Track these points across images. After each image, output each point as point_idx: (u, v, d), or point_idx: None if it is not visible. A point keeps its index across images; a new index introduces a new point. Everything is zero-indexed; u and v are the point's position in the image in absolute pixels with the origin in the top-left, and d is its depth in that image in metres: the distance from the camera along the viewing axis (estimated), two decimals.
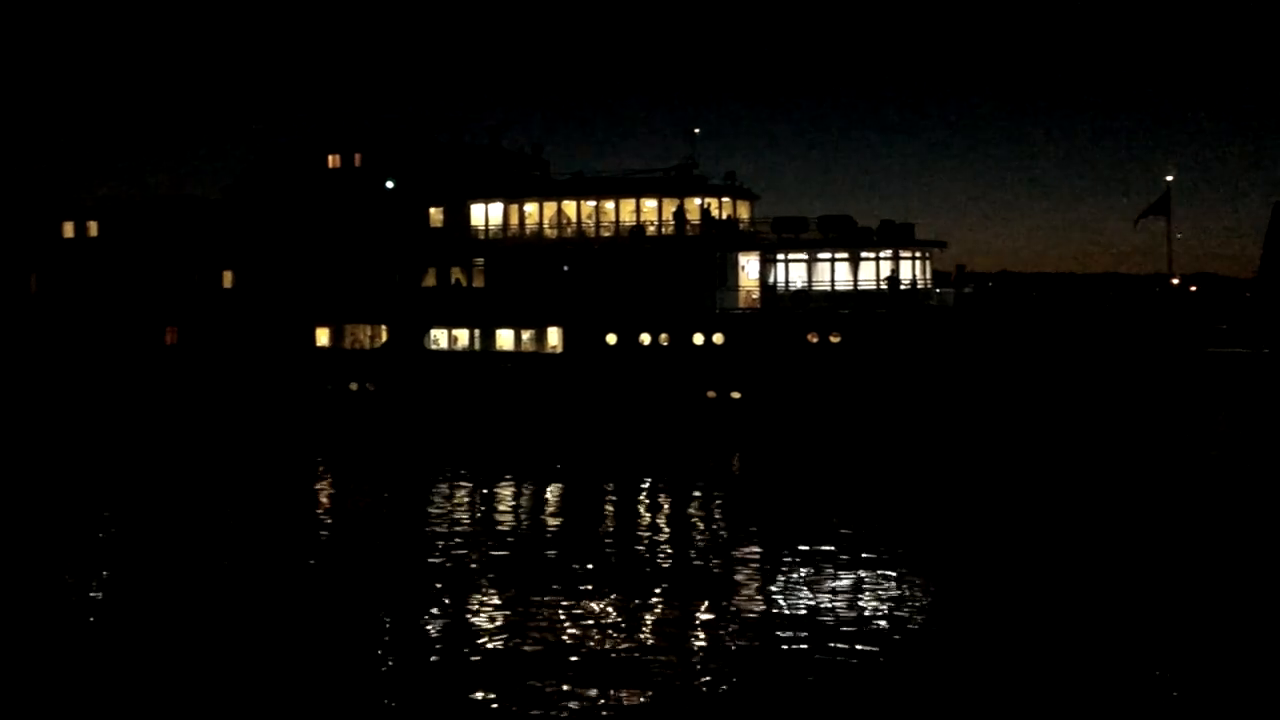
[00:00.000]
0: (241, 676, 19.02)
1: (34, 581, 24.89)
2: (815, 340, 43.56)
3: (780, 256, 45.84)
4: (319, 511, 33.26)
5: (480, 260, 50.61)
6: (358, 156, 54.23)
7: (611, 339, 46.72)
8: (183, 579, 25.13)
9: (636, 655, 19.71)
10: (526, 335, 49.15)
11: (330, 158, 54.72)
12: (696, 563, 26.18)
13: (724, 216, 47.84)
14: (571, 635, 20.84)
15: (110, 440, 47.26)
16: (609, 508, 32.65)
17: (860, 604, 22.58)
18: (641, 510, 32.27)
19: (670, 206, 47.83)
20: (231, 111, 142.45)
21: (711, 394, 45.11)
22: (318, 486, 37.35)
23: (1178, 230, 45.80)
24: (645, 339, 46.16)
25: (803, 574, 24.84)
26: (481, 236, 50.79)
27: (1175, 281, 45.24)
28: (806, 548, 26.99)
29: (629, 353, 46.31)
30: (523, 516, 31.65)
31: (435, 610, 22.42)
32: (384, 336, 52.29)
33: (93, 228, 59.57)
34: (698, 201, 47.90)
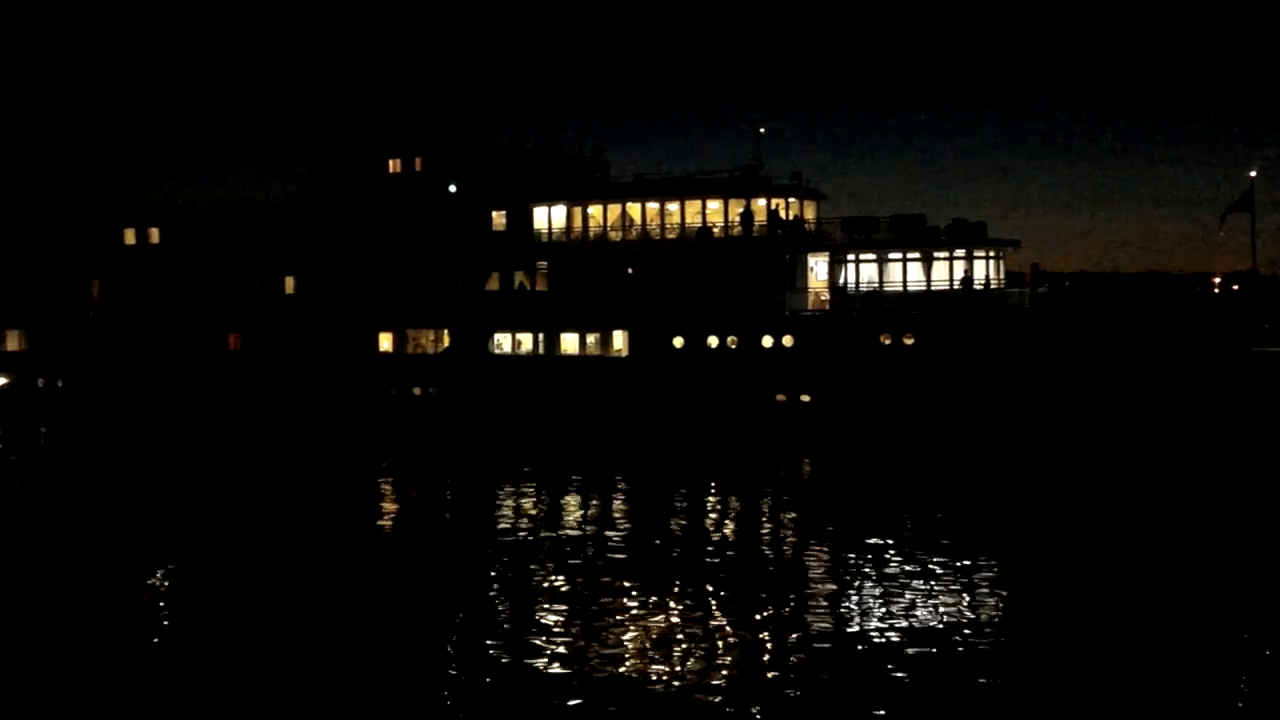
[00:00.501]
0: (305, 680, 18.78)
1: (102, 586, 24.69)
2: (888, 342, 42.74)
3: (850, 257, 45.05)
4: (382, 517, 32.93)
5: (543, 263, 50.21)
6: (418, 161, 54.02)
7: (678, 342, 46.13)
8: (246, 585, 24.92)
9: (703, 662, 19.25)
10: (591, 338, 48.65)
11: (391, 162, 54.55)
12: (765, 569, 25.61)
13: (790, 217, 47.15)
14: (638, 641, 20.42)
15: (175, 446, 47.30)
16: (676, 513, 32.08)
17: (935, 611, 21.93)
18: (709, 516, 31.69)
19: (736, 208, 47.19)
20: (294, 117, 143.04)
21: (781, 397, 44.40)
22: (381, 492, 37.04)
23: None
24: (713, 341, 45.54)
25: (874, 581, 24.21)
26: (544, 239, 50.39)
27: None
28: (878, 554, 26.33)
29: (696, 356, 45.70)
30: (588, 522, 31.14)
31: (500, 616, 22.05)
32: (446, 341, 52.02)
33: (154, 234, 59.79)
34: (762, 202, 47.23)
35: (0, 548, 29.01)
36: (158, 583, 25.20)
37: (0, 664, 19.84)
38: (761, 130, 49.36)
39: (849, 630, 20.90)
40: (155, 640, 20.90)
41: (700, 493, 34.67)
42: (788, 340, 44.27)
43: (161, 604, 23.49)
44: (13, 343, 62.90)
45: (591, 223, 49.64)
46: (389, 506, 34.69)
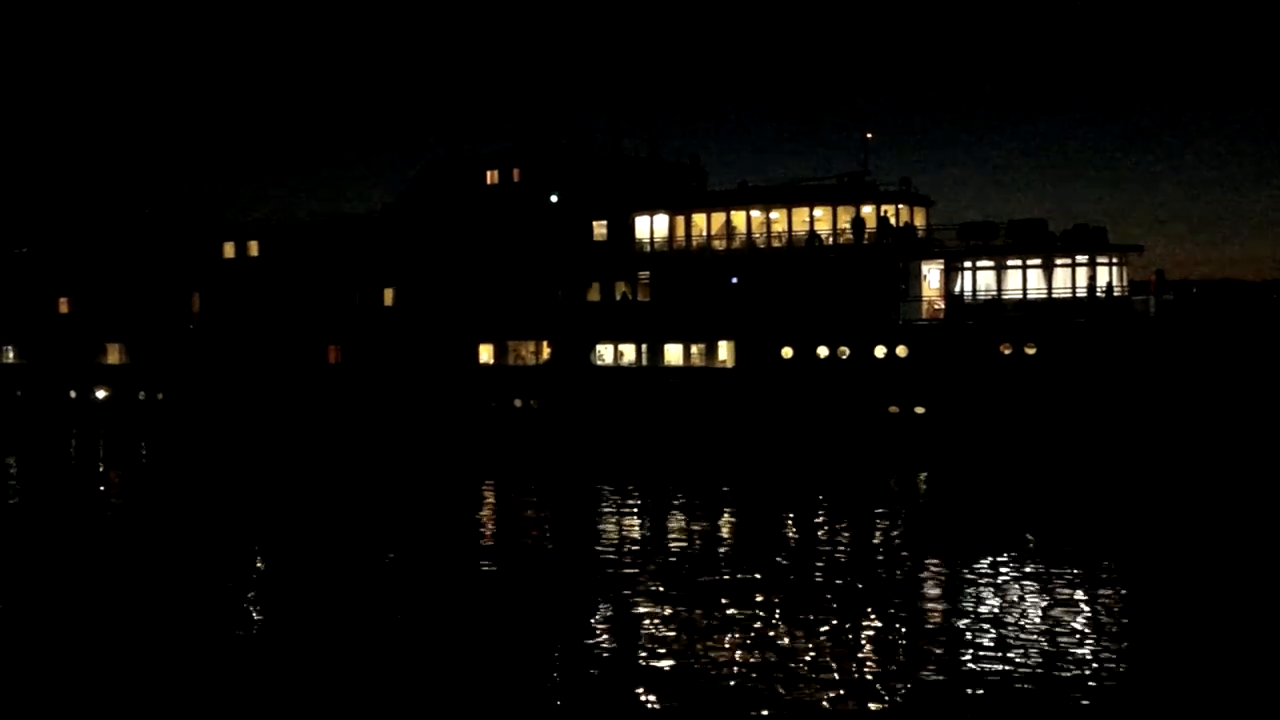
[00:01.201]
0: (408, 689, 18.37)
1: (200, 600, 24.28)
2: (1009, 352, 41.33)
3: (966, 264, 43.70)
4: (484, 532, 32.24)
5: (645, 273, 49.48)
6: (516, 171, 53.62)
7: (787, 352, 45.10)
8: (348, 598, 24.38)
9: (811, 683, 18.34)
10: (696, 349, 47.79)
11: (488, 173, 54.24)
12: (877, 587, 24.53)
13: (900, 224, 45.94)
14: (743, 660, 19.55)
15: (276, 459, 47.23)
16: (785, 529, 31.12)
17: (1053, 634, 20.68)
18: (819, 532, 30.62)
19: (845, 215, 46.10)
20: (387, 130, 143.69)
21: (894, 409, 43.17)
22: (483, 506, 36.45)
23: None
24: (823, 352, 44.43)
25: (991, 600, 23.02)
26: (646, 249, 49.63)
27: None
28: (996, 572, 25.13)
29: (806, 366, 44.64)
30: (693, 536, 30.23)
31: (603, 631, 21.33)
32: (547, 353, 51.46)
33: (253, 247, 60.07)
34: (867, 209, 46.03)
35: (100, 562, 28.62)
36: (253, 599, 24.75)
37: (98, 675, 19.50)
38: (869, 136, 48.26)
39: (963, 652, 19.76)
40: (246, 658, 20.47)
41: (810, 508, 33.62)
42: (902, 350, 43.03)
43: (256, 619, 23.05)
44: (113, 356, 63.58)
45: (694, 231, 48.80)
46: (490, 521, 34.03)
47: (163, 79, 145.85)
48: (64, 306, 65.40)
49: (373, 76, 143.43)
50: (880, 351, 43.38)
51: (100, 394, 62.94)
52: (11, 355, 67.26)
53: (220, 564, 27.75)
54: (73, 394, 63.75)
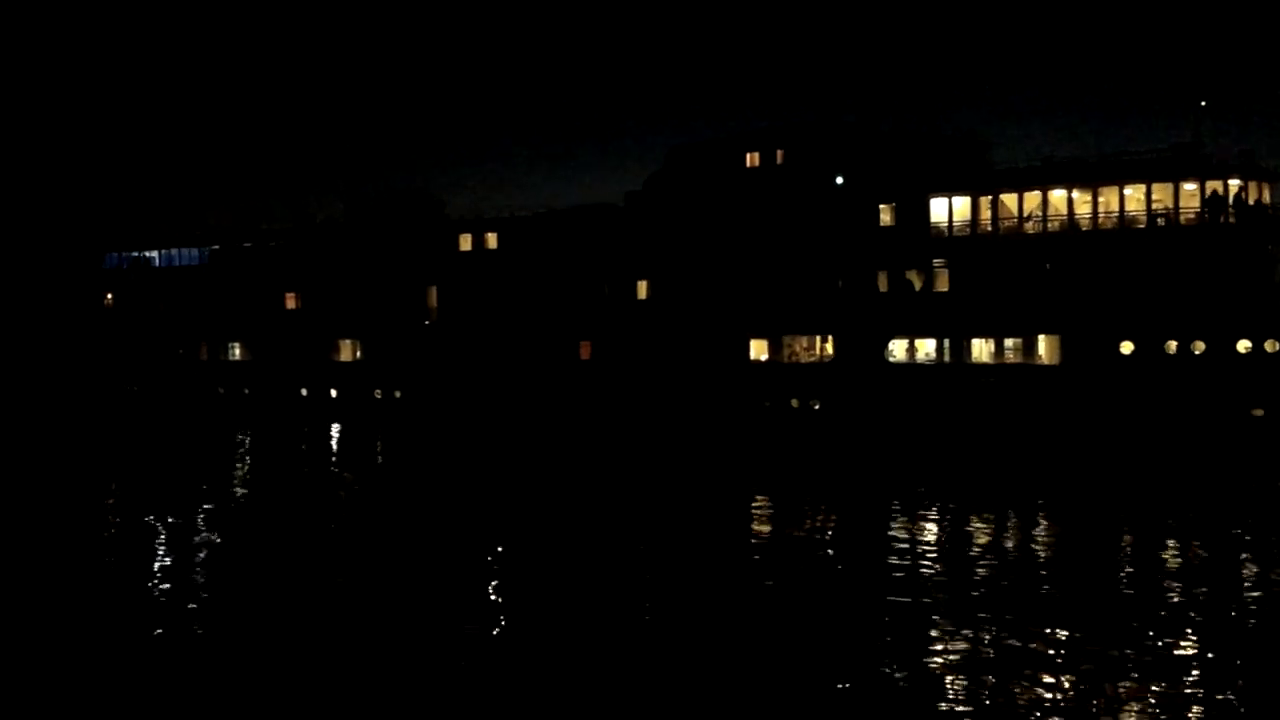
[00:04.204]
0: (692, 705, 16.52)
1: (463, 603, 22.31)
2: None
3: None
4: (759, 544, 28.65)
5: (940, 261, 45.00)
6: (779, 153, 49.66)
7: (1127, 348, 40.18)
8: (613, 606, 22.03)
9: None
10: (1011, 344, 43.14)
11: (748, 156, 50.40)
12: (1225, 618, 20.44)
13: (1251, 201, 40.61)
14: (1057, 700, 16.28)
15: (527, 460, 44.05)
16: (1116, 549, 26.89)
17: None
18: (1159, 553, 26.24)
19: (1186, 190, 40.90)
20: (628, 117, 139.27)
21: (1258, 411, 37.98)
22: (757, 516, 32.59)
23: None
24: (1173, 347, 39.41)
25: None
26: (943, 234, 45.11)
27: None
28: None
29: (1151, 363, 39.66)
30: (1004, 557, 26.17)
31: (894, 665, 18.14)
32: (827, 348, 47.37)
33: (491, 239, 57.35)
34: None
35: (324, 566, 26.16)
36: (493, 606, 22.10)
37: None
38: (1202, 103, 42.90)
39: None
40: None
41: (1151, 525, 29.10)
42: (1271, 345, 37.80)
43: (500, 622, 20.78)
44: (346, 353, 61.66)
45: (1002, 213, 44.09)
46: (766, 533, 30.19)
47: (387, 71, 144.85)
48: (291, 302, 63.75)
49: (614, 64, 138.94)
50: (1244, 346, 38.21)
51: (333, 392, 61.03)
52: (238, 352, 66.02)
53: (457, 569, 25.33)
54: (304, 391, 62.03)
